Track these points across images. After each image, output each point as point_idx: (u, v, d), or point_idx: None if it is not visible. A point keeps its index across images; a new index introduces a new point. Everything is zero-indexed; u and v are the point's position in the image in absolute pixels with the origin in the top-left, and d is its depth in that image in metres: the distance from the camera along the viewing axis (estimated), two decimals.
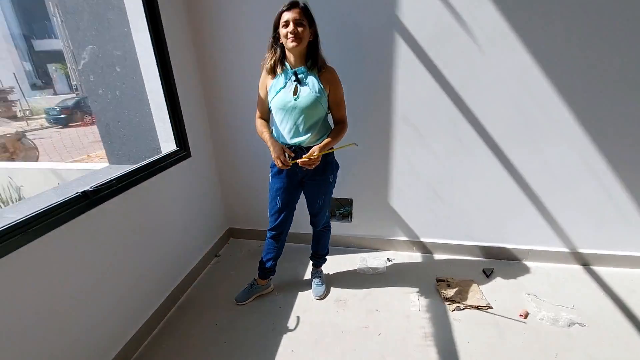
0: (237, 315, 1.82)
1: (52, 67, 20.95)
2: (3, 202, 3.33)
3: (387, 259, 2.22)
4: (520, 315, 1.72)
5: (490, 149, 1.92)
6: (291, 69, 1.49)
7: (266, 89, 1.56)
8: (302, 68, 1.48)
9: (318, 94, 1.48)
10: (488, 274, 2.04)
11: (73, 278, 1.31)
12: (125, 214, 1.57)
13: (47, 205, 1.24)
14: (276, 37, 1.46)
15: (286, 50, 1.46)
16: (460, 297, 1.85)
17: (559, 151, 1.87)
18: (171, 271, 1.91)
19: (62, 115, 12.23)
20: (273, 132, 1.63)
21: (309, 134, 1.53)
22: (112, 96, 1.82)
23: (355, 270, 2.14)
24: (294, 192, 1.70)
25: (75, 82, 17.71)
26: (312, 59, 1.48)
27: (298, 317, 1.78)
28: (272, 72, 1.51)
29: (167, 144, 1.99)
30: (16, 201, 3.27)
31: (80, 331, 1.34)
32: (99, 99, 1.83)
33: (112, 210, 1.49)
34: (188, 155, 2.02)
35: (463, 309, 1.78)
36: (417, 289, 1.95)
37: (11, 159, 5.74)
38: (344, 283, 2.03)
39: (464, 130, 1.90)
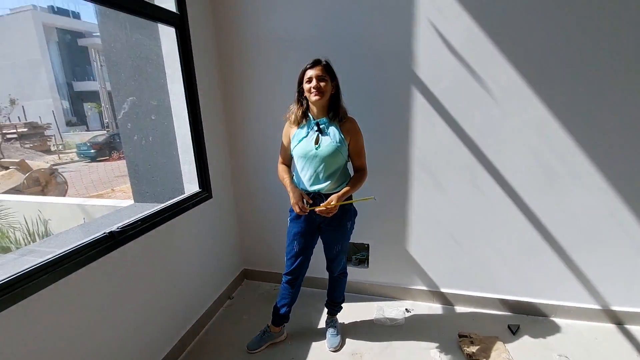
0: None
1: (87, 106, 22.61)
2: (30, 235, 3.46)
3: (406, 309, 2.13)
4: None
5: (511, 198, 1.90)
6: (314, 119, 1.57)
7: (289, 137, 1.64)
8: (324, 119, 1.56)
9: (339, 144, 1.54)
10: (514, 331, 1.91)
11: (87, 320, 1.32)
12: (146, 255, 1.60)
13: (75, 245, 1.30)
14: (300, 91, 1.56)
15: (309, 103, 1.55)
16: (484, 356, 1.73)
17: (583, 203, 1.83)
18: (184, 314, 1.89)
19: (92, 151, 12.96)
20: (294, 177, 1.68)
21: (329, 182, 1.57)
22: (146, 142, 1.95)
23: (372, 320, 2.06)
24: (311, 237, 1.71)
25: (106, 120, 18.96)
26: (334, 110, 1.56)
27: None
28: (296, 122, 1.60)
29: (191, 185, 2.06)
30: (42, 234, 3.39)
31: None
32: (134, 145, 1.96)
33: (134, 250, 1.53)
34: (210, 196, 2.09)
35: None
36: (437, 344, 1.84)
37: (42, 192, 6.04)
38: (360, 334, 1.94)
39: (483, 179, 1.90)
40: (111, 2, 1.41)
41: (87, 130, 21.07)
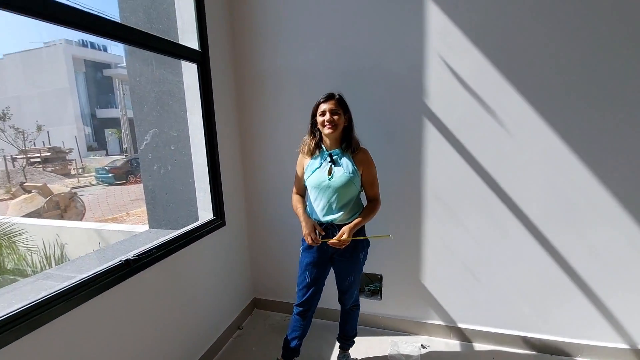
0: None
1: (108, 132, 23.59)
2: (46, 258, 3.53)
3: (422, 345, 2.04)
4: None
5: (528, 230, 1.85)
6: (327, 151, 1.60)
7: (303, 168, 1.67)
8: (336, 150, 1.59)
9: (351, 174, 1.56)
10: None
11: (99, 348, 1.32)
12: (159, 283, 1.61)
13: (91, 272, 1.32)
14: (314, 123, 1.61)
15: (323, 135, 1.59)
16: None
17: (605, 235, 1.77)
18: (194, 343, 1.86)
19: (110, 175, 13.36)
20: (307, 208, 1.69)
21: (341, 212, 1.58)
22: (164, 171, 2.01)
23: (386, 356, 1.97)
24: (323, 268, 1.69)
25: (125, 145, 19.66)
26: (347, 141, 1.60)
27: None
28: (310, 153, 1.64)
29: (205, 212, 2.10)
30: (58, 258, 3.45)
31: None
32: (153, 174, 2.02)
33: (148, 278, 1.54)
34: (223, 224, 2.11)
35: None
36: None
37: (61, 215, 6.21)
38: None
39: (499, 211, 1.87)
40: (144, 44, 1.52)
41: (107, 154, 21.87)
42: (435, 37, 1.81)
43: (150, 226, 2.34)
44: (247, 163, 2.31)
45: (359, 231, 1.63)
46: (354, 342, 1.91)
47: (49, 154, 16.88)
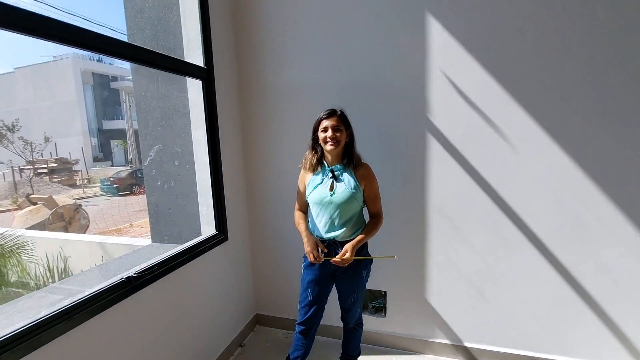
0: None
1: (114, 143, 23.88)
2: (50, 270, 3.52)
3: None
4: None
5: (536, 248, 1.82)
6: (328, 166, 1.60)
7: (305, 183, 1.66)
8: (338, 166, 1.59)
9: (353, 190, 1.54)
10: None
11: None
12: (160, 301, 1.59)
13: (92, 291, 1.30)
14: (315, 138, 1.61)
15: (324, 151, 1.59)
16: None
17: (614, 252, 1.73)
18: None
19: (114, 185, 13.45)
20: (309, 224, 1.68)
21: (344, 229, 1.56)
22: (168, 186, 2.02)
23: None
24: (325, 285, 1.67)
25: (131, 156, 19.87)
26: (348, 157, 1.59)
27: None
28: (311, 169, 1.63)
29: (208, 227, 2.09)
30: (62, 271, 3.45)
31: None
32: (157, 189, 2.03)
33: (150, 296, 1.52)
34: (225, 239, 2.10)
35: None
36: None
37: (65, 227, 6.24)
38: None
39: (505, 227, 1.85)
40: (151, 62, 1.54)
41: (112, 165, 22.08)
42: (437, 53, 1.82)
43: (153, 240, 2.34)
44: (250, 178, 2.31)
45: (363, 248, 1.61)
46: None
47: (55, 164, 17.09)
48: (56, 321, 1.14)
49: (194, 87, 1.96)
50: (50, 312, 1.15)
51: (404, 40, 1.87)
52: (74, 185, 16.25)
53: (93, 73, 23.04)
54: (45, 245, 3.73)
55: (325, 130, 1.54)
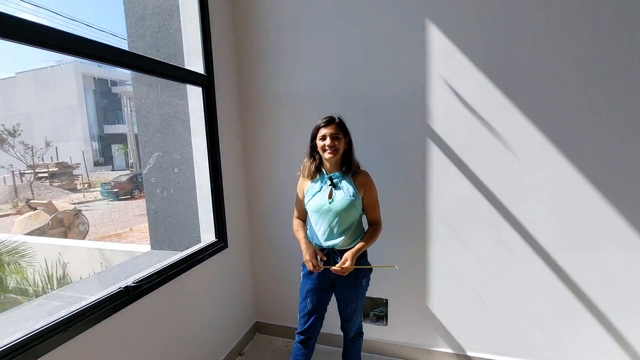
0: None
1: (114, 147, 23.92)
2: (49, 277, 3.50)
3: None
4: None
5: (539, 255, 1.80)
6: (327, 174, 1.59)
7: (304, 191, 1.65)
8: (337, 173, 1.57)
9: (352, 198, 1.53)
10: None
11: None
12: (159, 310, 1.57)
13: (89, 301, 1.29)
14: (313, 146, 1.60)
15: (323, 158, 1.58)
16: None
17: (617, 259, 1.71)
18: None
19: (115, 190, 13.44)
20: (308, 232, 1.66)
21: (343, 237, 1.54)
22: (167, 194, 2.01)
23: None
24: (324, 294, 1.65)
25: (131, 161, 19.89)
26: (347, 164, 1.58)
27: None
28: (310, 176, 1.62)
29: (207, 235, 2.07)
30: (60, 277, 3.43)
31: None
32: (156, 198, 2.02)
33: (148, 305, 1.50)
34: (225, 246, 2.08)
35: None
36: None
37: (65, 233, 6.22)
38: None
39: (508, 234, 1.83)
40: (151, 70, 1.54)
41: (113, 169, 22.09)
42: (438, 59, 1.82)
43: (153, 247, 2.32)
44: (250, 185, 2.30)
45: (362, 257, 1.60)
46: None
47: (56, 169, 17.10)
48: (53, 332, 1.13)
49: (194, 94, 1.95)
50: (47, 323, 1.14)
51: (404, 47, 1.86)
52: (74, 190, 16.24)
53: (94, 78, 23.15)
54: (44, 251, 3.71)
55: (323, 138, 1.53)
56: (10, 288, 3.41)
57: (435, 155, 1.89)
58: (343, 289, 1.63)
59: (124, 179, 14.11)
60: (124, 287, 1.40)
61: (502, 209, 1.83)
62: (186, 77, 1.78)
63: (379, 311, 2.19)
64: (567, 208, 1.74)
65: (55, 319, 1.16)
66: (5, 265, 3.48)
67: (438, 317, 2.02)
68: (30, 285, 3.46)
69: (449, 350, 2.03)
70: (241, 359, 2.18)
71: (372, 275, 1.68)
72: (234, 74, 2.18)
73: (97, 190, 15.27)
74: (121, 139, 23.21)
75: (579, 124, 1.68)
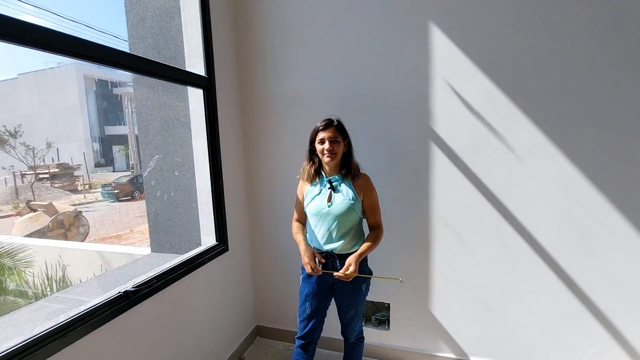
0: None
1: (115, 148, 23.93)
2: (48, 279, 3.48)
3: None
4: None
5: (543, 259, 1.78)
6: (326, 177, 1.57)
7: (303, 194, 1.63)
8: (336, 176, 1.56)
9: (352, 201, 1.51)
10: None
11: None
12: (159, 314, 1.56)
13: (88, 306, 1.27)
14: (312, 149, 1.58)
15: (322, 161, 1.56)
16: None
17: (623, 264, 1.69)
18: None
19: (115, 191, 13.42)
20: (307, 235, 1.65)
21: (342, 241, 1.53)
22: (168, 197, 1.99)
23: None
24: (324, 298, 1.63)
25: (132, 162, 19.90)
26: (346, 167, 1.56)
27: None
28: (309, 180, 1.60)
29: (208, 238, 2.06)
30: (60, 280, 3.41)
31: None
32: (156, 200, 2.01)
33: (147, 309, 1.49)
34: (226, 249, 2.06)
35: None
36: None
37: (65, 235, 6.21)
38: None
39: (511, 238, 1.81)
40: (152, 72, 1.53)
41: (113, 170, 22.10)
42: (441, 62, 1.80)
43: (153, 250, 2.30)
44: (251, 188, 2.28)
45: (362, 262, 1.57)
46: None
47: (57, 170, 17.09)
48: (51, 338, 1.11)
49: (195, 96, 1.94)
50: (46, 328, 1.12)
51: (406, 50, 1.85)
52: (75, 191, 16.22)
53: (95, 79, 23.19)
54: (44, 253, 3.69)
55: (322, 141, 1.51)
56: (10, 289, 3.39)
57: (438, 159, 1.87)
58: (342, 294, 1.61)
59: (124, 180, 14.10)
60: (123, 292, 1.39)
61: (505, 213, 1.81)
62: (187, 79, 1.77)
63: (381, 315, 2.17)
64: (571, 212, 1.72)
65: (54, 324, 1.15)
66: (5, 267, 3.47)
67: (441, 321, 2.00)
68: (29, 288, 3.44)
69: (452, 356, 2.00)
70: None
71: (373, 280, 1.66)
72: (235, 76, 2.17)
73: (97, 192, 15.24)
74: (122, 140, 23.22)
75: (583, 127, 1.66)
